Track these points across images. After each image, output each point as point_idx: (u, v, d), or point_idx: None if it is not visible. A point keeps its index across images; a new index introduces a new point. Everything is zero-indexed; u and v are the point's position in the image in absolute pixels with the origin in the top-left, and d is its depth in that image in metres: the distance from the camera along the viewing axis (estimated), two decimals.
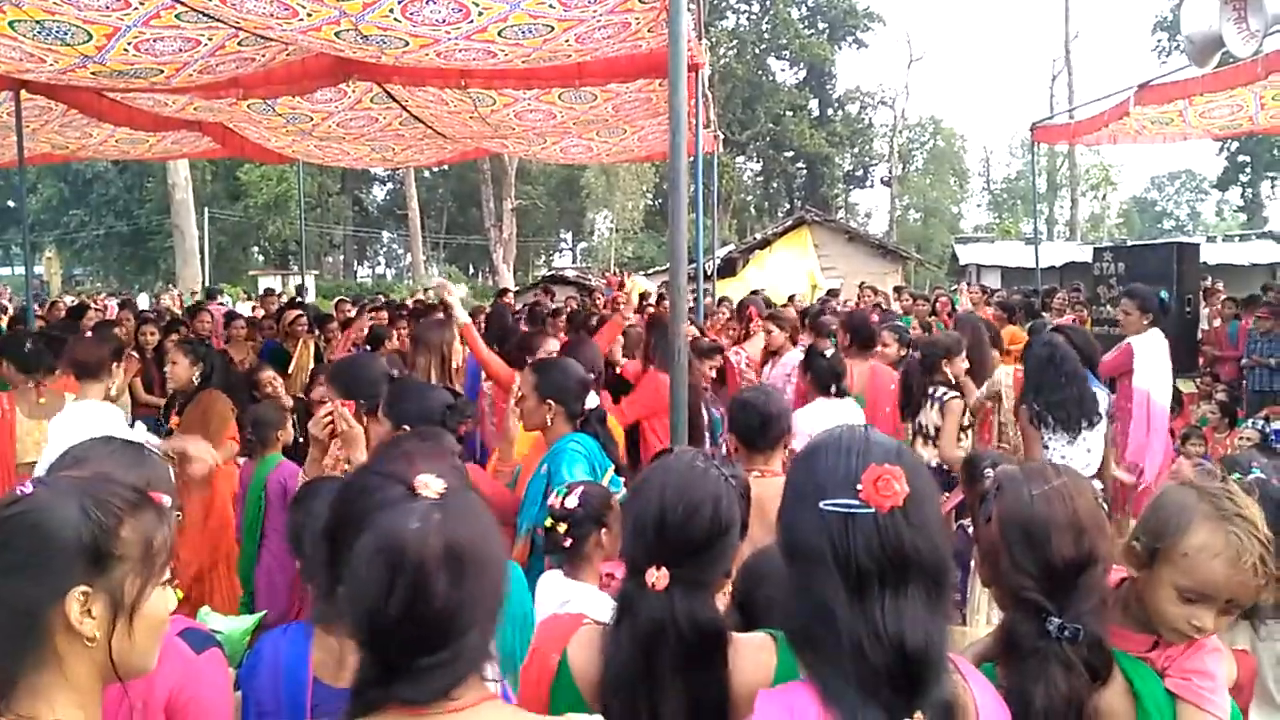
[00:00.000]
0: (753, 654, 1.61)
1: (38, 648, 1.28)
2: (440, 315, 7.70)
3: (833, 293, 14.88)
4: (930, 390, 5.34)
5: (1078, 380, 4.79)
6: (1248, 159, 43.92)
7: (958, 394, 5.31)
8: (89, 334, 5.04)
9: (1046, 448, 4.73)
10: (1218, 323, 11.29)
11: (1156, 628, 1.79)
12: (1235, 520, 1.73)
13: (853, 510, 1.31)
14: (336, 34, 5.20)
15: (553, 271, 32.11)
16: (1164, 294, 6.00)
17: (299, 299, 13.80)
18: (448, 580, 1.23)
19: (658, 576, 1.57)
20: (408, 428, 3.10)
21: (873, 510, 1.30)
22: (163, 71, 6.02)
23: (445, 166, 40.44)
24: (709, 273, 12.92)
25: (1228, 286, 15.01)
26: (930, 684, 1.29)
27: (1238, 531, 1.71)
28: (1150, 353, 5.72)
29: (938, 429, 5.23)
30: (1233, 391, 8.72)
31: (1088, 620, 1.70)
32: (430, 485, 1.27)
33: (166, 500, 1.49)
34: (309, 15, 4.84)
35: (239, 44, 5.53)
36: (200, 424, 4.81)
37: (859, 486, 1.32)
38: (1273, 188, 46.24)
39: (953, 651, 1.43)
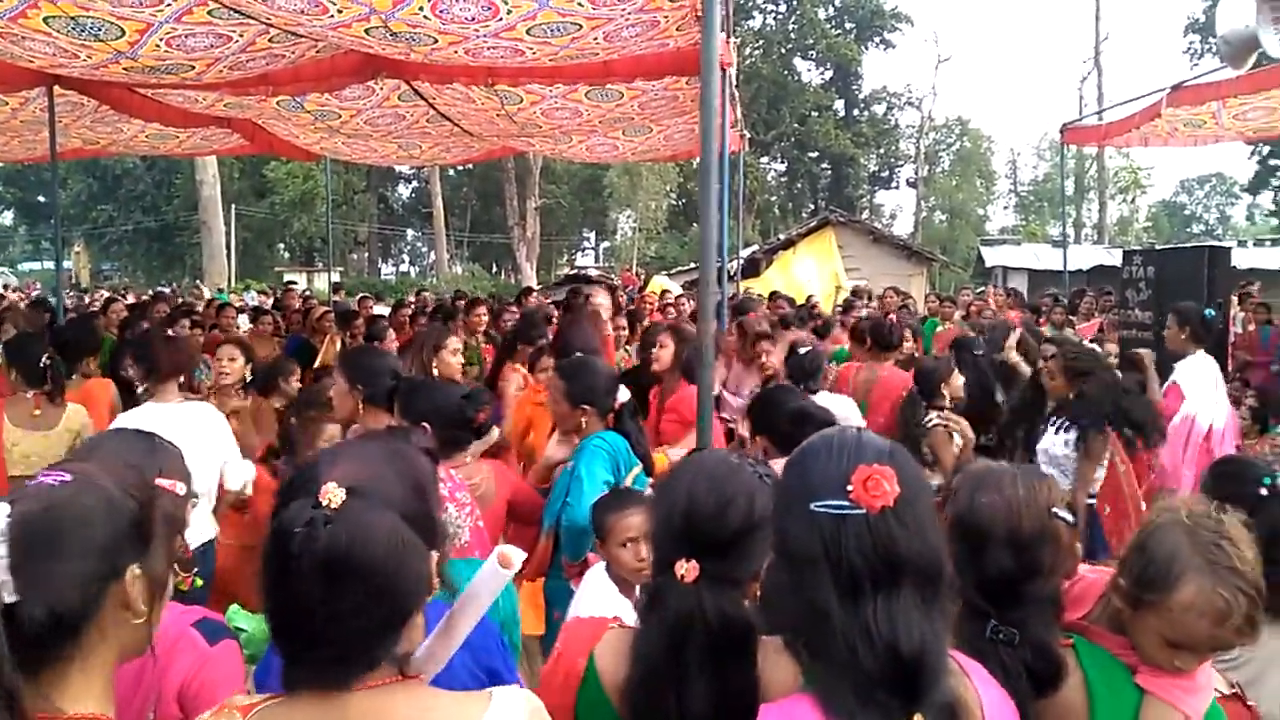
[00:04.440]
0: (784, 656, 1.57)
1: (83, 630, 1.31)
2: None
3: (858, 293, 14.78)
4: (924, 419, 5.20)
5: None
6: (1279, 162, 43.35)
7: (942, 423, 5.16)
8: (167, 338, 5.09)
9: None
10: (1251, 327, 11.15)
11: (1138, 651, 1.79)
12: (1226, 576, 1.69)
13: (843, 511, 1.28)
14: (366, 31, 5.22)
15: (575, 270, 32.12)
16: (1210, 311, 5.81)
17: (335, 299, 13.93)
18: (322, 588, 1.23)
19: (687, 568, 1.55)
20: (427, 426, 3.10)
21: (863, 511, 1.28)
22: (194, 68, 6.07)
23: (470, 165, 40.54)
24: (732, 273, 12.89)
25: (1259, 292, 14.81)
26: (928, 686, 1.26)
27: (1225, 592, 1.68)
28: (1199, 377, 5.49)
29: (923, 454, 5.10)
30: (1265, 396, 8.61)
31: (1029, 626, 1.70)
32: (331, 495, 1.26)
33: (181, 488, 1.52)
34: (339, 11, 4.86)
35: (270, 40, 5.56)
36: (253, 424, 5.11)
37: (849, 487, 1.29)
38: None
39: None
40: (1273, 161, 43.60)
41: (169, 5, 4.92)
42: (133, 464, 1.57)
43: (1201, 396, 5.43)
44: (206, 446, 4.06)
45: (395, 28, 5.14)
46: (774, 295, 12.45)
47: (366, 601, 1.25)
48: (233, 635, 1.85)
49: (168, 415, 4.01)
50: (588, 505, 3.01)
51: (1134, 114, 9.86)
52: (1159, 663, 1.75)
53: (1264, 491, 2.66)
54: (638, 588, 1.85)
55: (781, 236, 24.53)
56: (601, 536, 2.70)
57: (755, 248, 24.36)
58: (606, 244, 55.16)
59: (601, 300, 5.92)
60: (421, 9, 4.84)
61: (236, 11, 4.99)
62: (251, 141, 9.35)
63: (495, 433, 4.94)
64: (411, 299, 13.17)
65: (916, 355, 6.93)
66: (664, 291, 15.52)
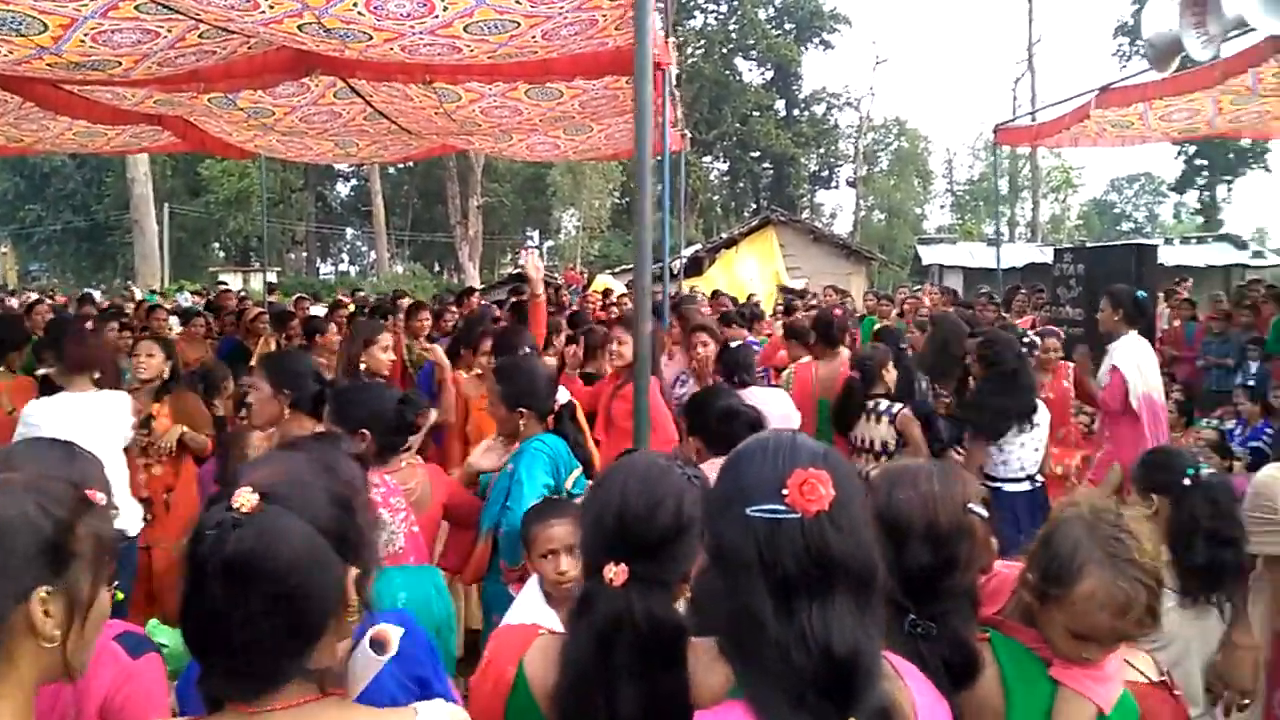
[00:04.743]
0: (716, 659, 1.57)
1: None
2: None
3: (801, 293, 14.88)
4: (871, 404, 5.31)
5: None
6: (1205, 162, 44.60)
7: (904, 405, 5.29)
8: (82, 332, 4.94)
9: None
10: (1176, 323, 11.47)
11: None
12: (1125, 568, 1.76)
13: (778, 515, 1.27)
14: (299, 27, 5.13)
15: (519, 269, 31.94)
16: (1141, 293, 5.91)
17: (270, 300, 13.64)
18: (226, 593, 1.21)
19: (616, 571, 1.54)
20: (366, 431, 3.06)
21: (798, 515, 1.27)
22: (120, 64, 5.90)
23: (411, 163, 40.17)
24: (675, 272, 12.92)
25: (1190, 288, 15.23)
26: (862, 691, 1.26)
27: (1125, 584, 1.74)
28: (1134, 357, 5.54)
29: (884, 443, 5.21)
30: (1189, 391, 8.87)
31: (946, 619, 1.73)
32: (243, 499, 1.25)
33: (102, 498, 1.47)
34: (271, 7, 4.76)
35: (199, 36, 5.44)
36: (184, 423, 5.02)
37: (785, 491, 1.28)
38: (1229, 191, 47.05)
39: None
40: (1198, 161, 44.99)
41: (93, 0, 4.79)
42: (58, 476, 1.51)
43: (1144, 374, 5.52)
44: (113, 434, 4.17)
45: (329, 24, 5.05)
46: (716, 294, 12.54)
47: (269, 608, 1.22)
48: (155, 648, 1.80)
49: (76, 404, 4.11)
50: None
51: (1064, 115, 10.05)
52: (1067, 654, 1.80)
53: (1187, 481, 2.76)
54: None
55: (724, 235, 24.68)
56: (526, 546, 2.67)
57: (698, 246, 24.48)
58: (550, 243, 54.98)
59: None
60: (355, 5, 4.76)
61: (165, 7, 4.87)
62: (184, 139, 9.12)
63: (433, 415, 4.90)
64: (345, 297, 12.91)
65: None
66: (607, 290, 15.51)
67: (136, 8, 4.89)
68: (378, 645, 1.50)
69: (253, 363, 7.51)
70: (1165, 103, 8.78)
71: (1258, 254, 28.55)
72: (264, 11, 4.83)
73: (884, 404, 5.29)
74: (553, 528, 2.56)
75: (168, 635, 2.15)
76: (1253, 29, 6.30)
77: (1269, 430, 7.55)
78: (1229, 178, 45.74)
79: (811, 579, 1.26)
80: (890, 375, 5.40)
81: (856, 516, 1.32)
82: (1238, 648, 2.79)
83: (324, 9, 4.79)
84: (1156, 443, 5.20)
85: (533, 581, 2.58)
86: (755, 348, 7.14)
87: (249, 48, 5.84)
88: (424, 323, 7.68)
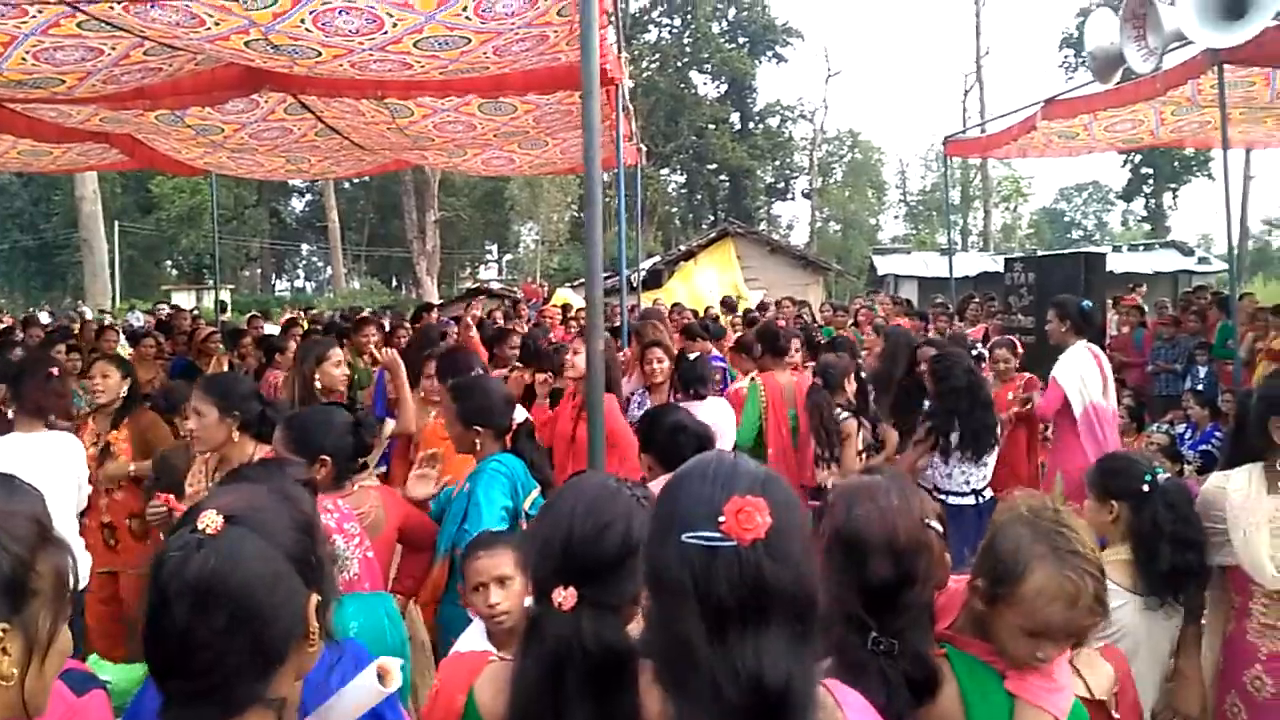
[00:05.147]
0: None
1: None
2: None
3: (763, 306, 14.94)
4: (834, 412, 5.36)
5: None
6: (1150, 171, 45.55)
7: (849, 414, 5.35)
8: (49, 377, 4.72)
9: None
10: (1125, 330, 11.67)
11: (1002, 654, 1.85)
12: (1069, 560, 1.79)
13: (713, 543, 1.25)
14: (246, 44, 5.07)
15: (477, 284, 31.79)
16: (1087, 302, 5.98)
17: (222, 319, 13.40)
18: (188, 612, 1.22)
19: (565, 595, 1.51)
20: (327, 458, 3.03)
21: (734, 543, 1.25)
22: (64, 81, 5.80)
23: (366, 177, 39.88)
24: (634, 284, 12.92)
25: (1143, 295, 15.48)
26: None
27: (1072, 574, 1.77)
28: (1076, 367, 5.58)
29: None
30: (1139, 396, 9.03)
31: (906, 635, 1.74)
32: (209, 521, 1.27)
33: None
34: (216, 24, 4.70)
35: (145, 53, 5.35)
36: (143, 444, 4.88)
37: (722, 518, 1.26)
38: (1174, 198, 48.05)
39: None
40: (1144, 170, 45.95)
41: (34, 17, 4.70)
42: (18, 510, 1.47)
43: (1084, 383, 5.54)
44: (62, 477, 4.05)
45: (276, 40, 4.99)
46: (675, 306, 12.56)
47: (233, 628, 1.23)
48: (100, 685, 1.76)
49: (26, 445, 4.00)
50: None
51: (1012, 126, 10.21)
52: (1023, 657, 1.80)
53: (1146, 487, 2.79)
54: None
55: (682, 248, 24.76)
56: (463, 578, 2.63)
57: (657, 259, 24.54)
58: (509, 256, 54.81)
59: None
60: (303, 21, 4.72)
61: (108, 24, 4.79)
62: (131, 157, 8.97)
63: (389, 426, 4.85)
64: (291, 315, 12.65)
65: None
66: (566, 305, 15.47)
67: (79, 25, 4.80)
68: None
69: None
70: (1109, 114, 8.96)
71: (1203, 260, 29.11)
72: (209, 29, 4.77)
73: (841, 413, 5.36)
74: (479, 560, 2.50)
75: (111, 671, 2.10)
76: (1191, 42, 6.47)
77: (1218, 434, 7.70)
78: (1174, 186, 46.75)
79: (746, 608, 1.23)
80: (851, 385, 5.46)
81: (794, 545, 1.29)
82: (1186, 678, 2.84)
83: (271, 25, 4.73)
84: (1106, 450, 5.26)
85: None
86: (719, 363, 7.15)
87: (196, 64, 5.76)
88: (368, 338, 7.48)
